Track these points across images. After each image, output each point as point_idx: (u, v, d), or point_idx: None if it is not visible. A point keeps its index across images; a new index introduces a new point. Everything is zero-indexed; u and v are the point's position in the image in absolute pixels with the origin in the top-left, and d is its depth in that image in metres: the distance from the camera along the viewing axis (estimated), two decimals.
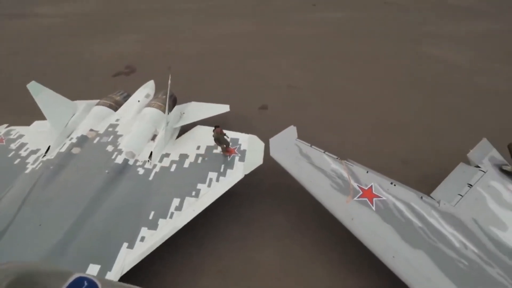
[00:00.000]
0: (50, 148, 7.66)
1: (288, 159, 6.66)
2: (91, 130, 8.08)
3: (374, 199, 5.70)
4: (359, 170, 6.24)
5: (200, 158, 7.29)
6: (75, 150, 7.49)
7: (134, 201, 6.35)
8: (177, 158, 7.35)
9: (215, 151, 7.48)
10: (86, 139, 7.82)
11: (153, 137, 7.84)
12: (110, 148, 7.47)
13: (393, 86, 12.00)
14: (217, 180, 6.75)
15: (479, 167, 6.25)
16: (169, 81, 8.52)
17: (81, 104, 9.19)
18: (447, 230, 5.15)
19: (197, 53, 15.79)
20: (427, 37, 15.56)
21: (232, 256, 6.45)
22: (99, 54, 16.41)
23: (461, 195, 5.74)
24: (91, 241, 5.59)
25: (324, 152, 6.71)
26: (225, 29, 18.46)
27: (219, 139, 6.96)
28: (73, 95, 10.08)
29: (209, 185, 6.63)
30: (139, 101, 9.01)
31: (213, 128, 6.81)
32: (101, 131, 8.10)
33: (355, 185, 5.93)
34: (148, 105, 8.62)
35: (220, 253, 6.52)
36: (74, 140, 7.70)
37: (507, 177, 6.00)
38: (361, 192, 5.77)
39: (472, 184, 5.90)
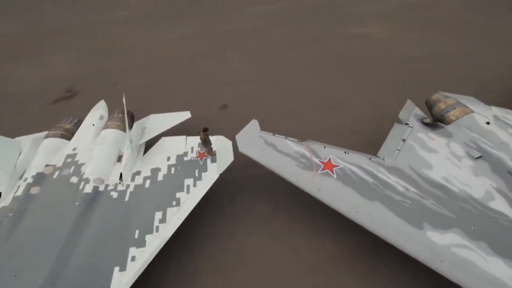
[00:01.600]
0: (2, 194, 7.04)
1: (255, 151, 7.26)
2: (47, 165, 7.58)
3: (334, 168, 6.66)
4: (318, 147, 7.15)
5: (173, 169, 7.46)
6: (34, 190, 7.01)
7: (115, 225, 6.32)
8: (149, 174, 7.40)
9: (186, 158, 7.72)
10: (43, 176, 7.33)
11: (119, 158, 7.70)
12: (74, 179, 7.16)
13: (330, 67, 13.33)
14: (195, 185, 7.05)
15: (408, 124, 7.65)
16: (124, 99, 8.34)
17: (26, 140, 8.46)
18: (392, 179, 6.34)
19: (142, 63, 15.24)
20: (352, 17, 17.40)
21: (223, 253, 6.88)
22: (28, 81, 14.73)
23: (398, 149, 7.02)
24: (80, 276, 5.50)
25: (286, 138, 7.46)
26: (166, 35, 18.02)
27: (206, 140, 7.33)
28: (11, 132, 9.16)
29: (187, 192, 6.90)
30: (93, 124, 8.64)
31: (200, 131, 7.14)
32: (59, 164, 7.66)
33: (316, 160, 6.82)
34: (106, 127, 8.35)
35: (211, 253, 6.90)
36: (29, 180, 7.18)
37: (428, 127, 7.50)
38: (322, 166, 6.68)
39: (405, 139, 7.24)
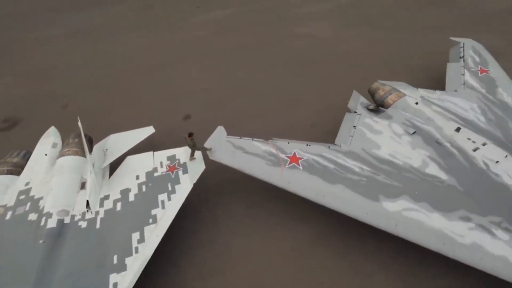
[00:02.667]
0: None
1: (225, 156, 7.54)
2: None
3: (299, 161, 7.27)
4: (283, 143, 7.70)
5: (144, 186, 7.32)
6: None
7: (89, 256, 6.04)
8: (119, 196, 7.16)
9: (156, 174, 7.63)
10: None
11: (83, 185, 7.29)
12: (33, 216, 6.60)
13: (283, 67, 14.15)
14: (169, 199, 7.04)
15: (356, 112, 8.66)
16: (79, 122, 7.86)
17: None
18: (349, 163, 7.18)
19: (93, 81, 14.26)
20: (297, 19, 18.61)
21: (209, 258, 7.01)
22: None
23: (351, 135, 7.94)
24: None
25: (252, 139, 7.87)
26: (116, 48, 17.10)
27: (194, 145, 7.40)
28: None
29: (163, 207, 6.87)
30: (46, 154, 7.98)
31: (186, 137, 7.13)
32: (11, 203, 6.96)
33: (283, 156, 7.37)
34: (61, 154, 7.78)
35: (198, 260, 6.99)
36: None
37: (372, 112, 8.59)
38: (288, 160, 7.25)
39: (355, 126, 8.20)
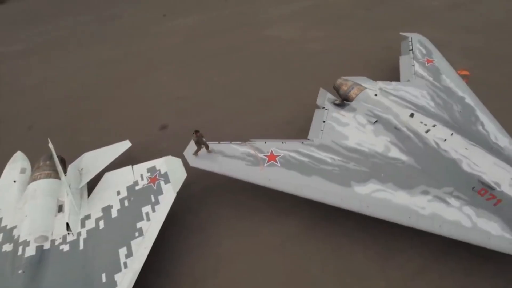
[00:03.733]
0: None
1: (206, 161, 7.75)
2: None
3: (276, 158, 7.71)
4: (260, 143, 8.08)
5: (126, 201, 7.28)
6: None
7: (75, 279, 5.93)
8: (100, 214, 7.05)
9: (137, 187, 7.61)
10: None
11: (60, 208, 7.06)
12: (8, 247, 6.29)
13: (256, 69, 14.63)
14: (154, 210, 7.08)
15: (324, 107, 9.32)
16: (50, 143, 7.58)
17: None
18: (322, 155, 7.76)
19: (60, 98, 13.55)
20: (266, 22, 19.28)
21: (199, 265, 7.14)
22: None
23: (322, 130, 8.55)
24: None
25: (230, 143, 8.16)
26: (84, 61, 16.41)
27: (199, 141, 7.57)
28: None
29: (148, 219, 6.90)
30: (15, 181, 7.59)
31: (193, 132, 7.34)
32: None
33: (261, 156, 7.75)
34: (33, 179, 7.45)
35: (189, 268, 7.10)
36: None
37: (339, 107, 9.32)
38: (267, 159, 7.65)
39: (325, 120, 8.84)
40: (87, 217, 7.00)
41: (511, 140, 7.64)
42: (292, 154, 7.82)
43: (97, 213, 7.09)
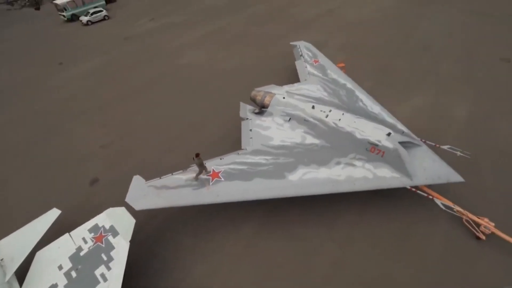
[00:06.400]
0: None
1: (151, 201, 7.82)
2: None
3: (219, 174, 8.43)
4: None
5: (73, 272, 6.65)
6: None
7: None
8: None
9: (82, 252, 7.04)
10: None
11: None
12: None
13: (178, 97, 15.09)
14: (109, 268, 6.74)
15: (248, 118, 10.59)
16: None
17: None
18: (256, 158, 8.89)
19: None
20: (176, 51, 19.90)
21: None
22: None
23: (251, 137, 9.74)
24: None
25: (172, 174, 8.45)
26: None
27: (201, 163, 7.85)
28: None
29: (105, 280, 6.56)
30: None
31: (193, 157, 7.82)
32: None
33: (204, 176, 8.32)
34: None
35: None
36: None
37: (259, 115, 10.76)
38: (210, 178, 8.28)
39: (251, 129, 10.08)
40: None
41: (381, 107, 10.44)
42: (232, 166, 8.68)
43: None
